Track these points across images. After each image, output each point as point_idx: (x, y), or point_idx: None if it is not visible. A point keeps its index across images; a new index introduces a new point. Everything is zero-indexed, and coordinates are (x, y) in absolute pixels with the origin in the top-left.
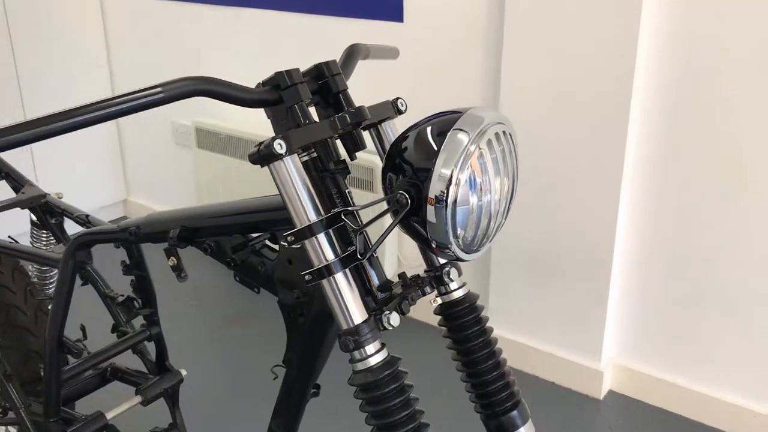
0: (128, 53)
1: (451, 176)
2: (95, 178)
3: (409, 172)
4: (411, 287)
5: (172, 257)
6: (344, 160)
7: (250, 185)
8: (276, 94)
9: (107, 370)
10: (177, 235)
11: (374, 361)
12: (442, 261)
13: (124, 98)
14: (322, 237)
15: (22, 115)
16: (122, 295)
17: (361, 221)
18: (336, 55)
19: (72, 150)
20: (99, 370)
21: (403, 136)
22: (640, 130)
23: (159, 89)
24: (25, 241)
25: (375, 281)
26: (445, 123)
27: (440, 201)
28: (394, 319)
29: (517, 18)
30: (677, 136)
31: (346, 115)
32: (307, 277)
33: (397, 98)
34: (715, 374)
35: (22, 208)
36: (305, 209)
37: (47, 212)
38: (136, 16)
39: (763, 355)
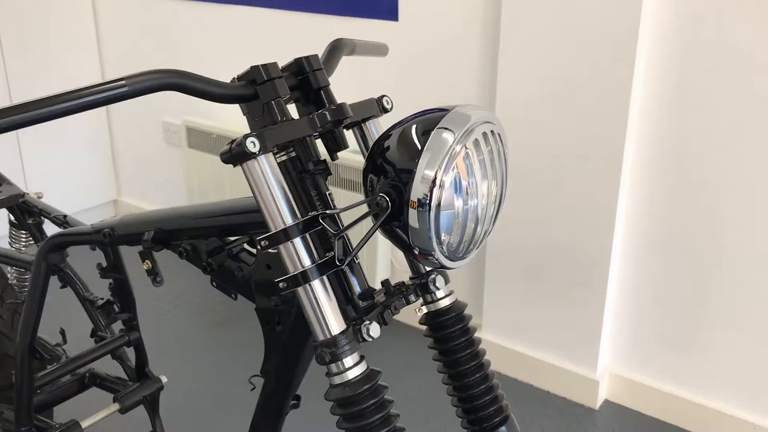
0: (120, 47)
1: (435, 178)
2: (85, 178)
3: (391, 174)
4: (394, 295)
5: (146, 261)
6: (325, 160)
7: (242, 186)
8: (251, 90)
9: (86, 376)
10: (151, 238)
11: (352, 374)
12: (429, 268)
13: (84, 92)
14: (298, 242)
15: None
16: (102, 299)
17: (342, 225)
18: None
19: (61, 149)
20: (77, 376)
21: (386, 135)
22: (640, 132)
23: (123, 83)
24: (4, 242)
25: (356, 289)
26: (429, 121)
27: (423, 204)
28: (374, 330)
29: (514, 16)
30: (677, 140)
31: (326, 113)
32: (281, 284)
33: (383, 96)
34: (715, 384)
35: None
36: (280, 212)
37: (25, 212)
38: (129, 13)
39: (764, 366)
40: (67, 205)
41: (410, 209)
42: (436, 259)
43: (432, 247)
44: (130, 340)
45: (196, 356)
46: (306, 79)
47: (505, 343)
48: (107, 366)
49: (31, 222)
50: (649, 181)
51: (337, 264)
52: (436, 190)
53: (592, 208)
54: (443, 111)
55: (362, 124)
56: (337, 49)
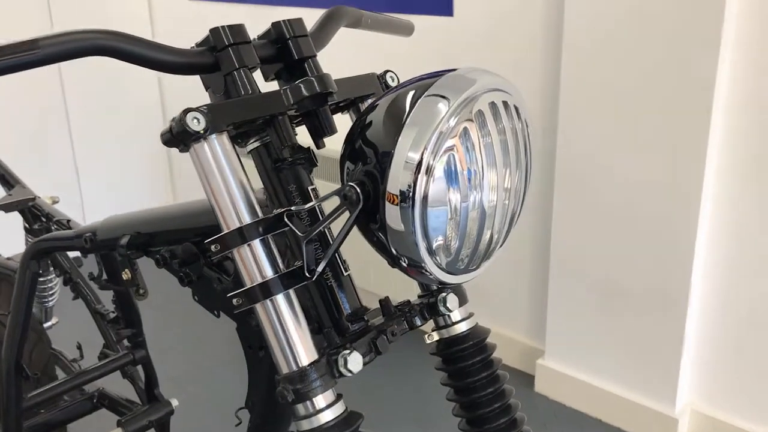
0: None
1: (420, 162)
2: (142, 190)
3: (371, 158)
4: (394, 317)
5: (125, 270)
6: (308, 148)
7: None
8: (210, 58)
9: (95, 395)
10: (127, 243)
11: (325, 418)
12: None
13: None
14: (257, 245)
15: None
16: (113, 312)
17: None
18: (381, 55)
19: (118, 161)
20: (86, 395)
21: (371, 108)
22: (723, 150)
23: (37, 45)
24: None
25: (345, 307)
26: (420, 88)
27: (405, 198)
28: (354, 361)
29: (580, 8)
30: (764, 156)
31: (301, 86)
32: (235, 300)
33: (387, 71)
34: None
35: (6, 211)
36: (235, 208)
37: (37, 217)
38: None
39: None
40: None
41: (387, 204)
42: (429, 272)
43: (419, 256)
44: (135, 358)
45: (213, 377)
46: (287, 47)
47: (571, 373)
48: (120, 386)
49: (37, 227)
50: (733, 202)
51: (305, 275)
52: (421, 179)
53: (670, 229)
54: (441, 73)
55: (360, 105)
56: (333, 18)
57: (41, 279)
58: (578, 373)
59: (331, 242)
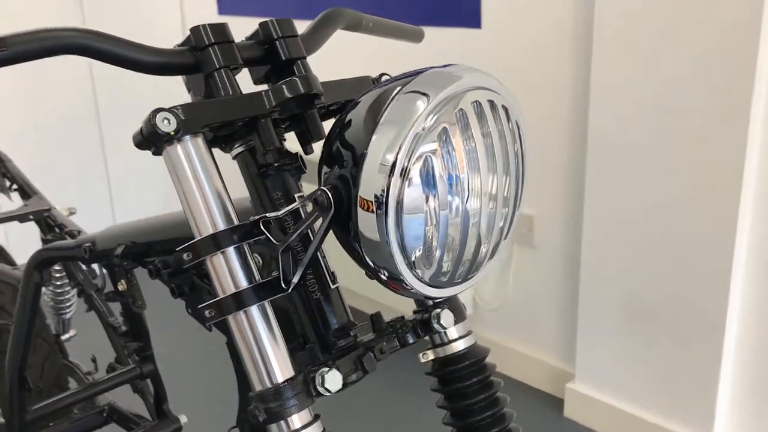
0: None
1: (395, 164)
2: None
3: (347, 160)
4: (385, 333)
5: (122, 280)
6: (296, 154)
7: None
8: (191, 58)
9: (105, 409)
10: (122, 253)
11: None
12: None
13: None
14: (231, 253)
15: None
16: (125, 325)
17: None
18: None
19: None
20: (97, 409)
21: (350, 108)
22: (762, 165)
23: (4, 43)
24: None
25: (332, 322)
26: (402, 84)
27: (379, 204)
28: (332, 380)
29: (609, 20)
30: None
31: (284, 87)
32: (207, 311)
33: (382, 74)
34: None
35: (21, 221)
36: (210, 214)
37: (50, 227)
38: None
39: None
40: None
41: (360, 211)
42: (409, 285)
43: (396, 268)
44: (143, 372)
45: (225, 392)
46: (275, 48)
47: (603, 397)
48: (133, 400)
49: (50, 237)
50: None
51: (282, 287)
52: (395, 183)
53: (706, 249)
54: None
55: None
56: (329, 20)
57: (58, 291)
58: (610, 398)
59: (317, 252)
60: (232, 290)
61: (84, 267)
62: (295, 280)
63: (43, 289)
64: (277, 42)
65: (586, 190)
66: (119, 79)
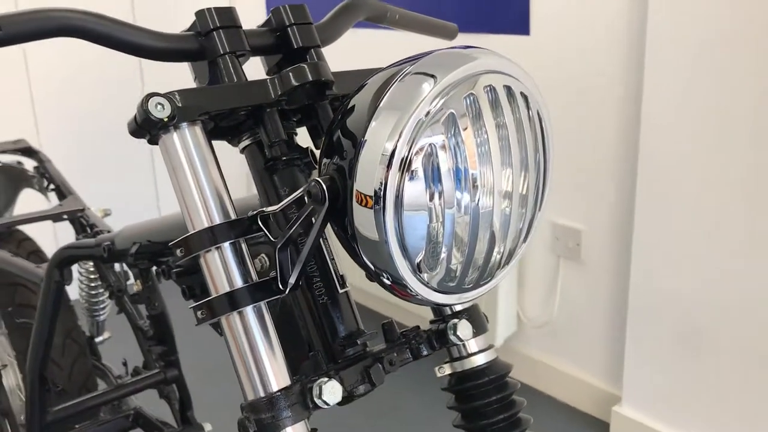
0: None
1: (393, 154)
2: None
3: (347, 150)
4: (397, 344)
5: (137, 281)
6: (307, 148)
7: None
8: (195, 43)
9: (130, 414)
10: (135, 253)
11: None
12: (458, 307)
13: None
14: (227, 249)
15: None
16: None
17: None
18: None
19: None
20: (123, 413)
21: (354, 92)
22: None
23: None
24: None
25: (339, 329)
26: (410, 65)
27: (377, 199)
28: (331, 391)
29: (664, 26)
30: None
31: (290, 73)
32: (199, 313)
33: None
34: None
35: (54, 221)
36: (205, 206)
37: (83, 227)
38: None
39: None
40: None
41: (356, 206)
42: (412, 290)
43: (396, 270)
44: (167, 377)
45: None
46: (287, 36)
47: (651, 423)
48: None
49: (82, 237)
50: None
51: (279, 288)
52: (394, 175)
53: (765, 274)
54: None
55: None
56: (349, 9)
57: (92, 292)
58: (658, 423)
59: (325, 253)
60: (226, 289)
61: (116, 268)
62: (292, 280)
63: (78, 290)
64: (288, 29)
65: (637, 204)
66: (167, 73)
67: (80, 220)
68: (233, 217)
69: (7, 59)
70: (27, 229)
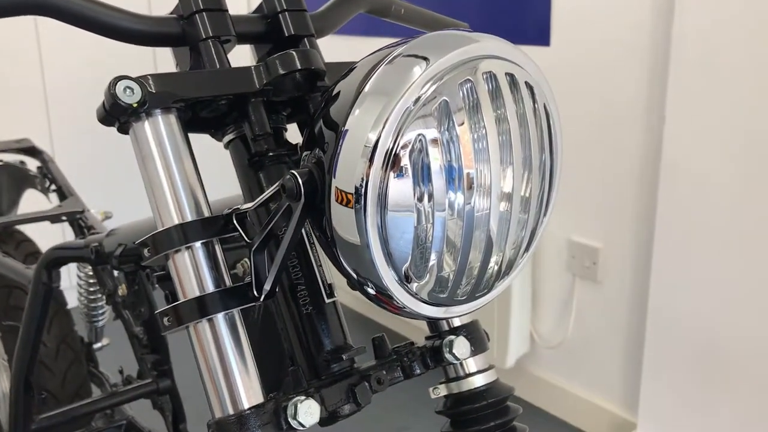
0: None
1: (376, 145)
2: None
3: (328, 141)
4: (387, 361)
5: (122, 285)
6: (297, 145)
7: None
8: (177, 27)
9: (122, 425)
10: (120, 255)
11: None
12: (456, 322)
13: None
14: (198, 250)
15: None
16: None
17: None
18: None
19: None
20: (115, 423)
21: (342, 76)
22: None
23: None
24: None
25: (324, 342)
26: (401, 47)
27: (358, 197)
28: (308, 411)
29: (688, 41)
30: None
31: (277, 60)
32: (165, 319)
33: None
34: None
35: (52, 222)
36: (177, 202)
37: (81, 229)
38: None
39: None
40: None
41: (335, 204)
42: (397, 301)
43: (380, 279)
44: (159, 387)
45: None
46: (278, 23)
47: None
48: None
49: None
50: None
51: (254, 295)
52: (376, 171)
53: None
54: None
55: None
56: (350, 0)
57: (91, 297)
58: None
59: (312, 258)
60: (196, 294)
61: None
62: (267, 286)
63: (77, 294)
64: (280, 15)
65: (657, 223)
66: None
67: (79, 222)
68: (207, 214)
69: (21, 57)
70: (31, 231)
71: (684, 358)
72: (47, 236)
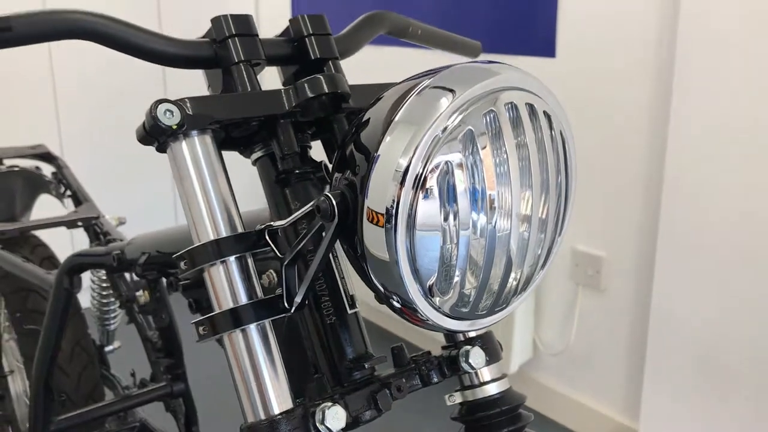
0: None
1: (407, 170)
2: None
3: (360, 164)
4: (406, 369)
5: (144, 291)
6: (321, 162)
7: None
8: (210, 50)
9: (135, 427)
10: (144, 263)
11: None
12: (471, 333)
13: None
14: (232, 264)
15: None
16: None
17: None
18: None
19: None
20: (128, 425)
21: (371, 104)
22: None
23: (8, 24)
24: None
25: (346, 351)
26: (428, 78)
27: (389, 217)
28: (334, 417)
29: (693, 54)
30: None
31: (306, 84)
32: (200, 328)
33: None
34: None
35: (68, 228)
36: (212, 218)
37: (96, 235)
38: None
39: None
40: None
41: (367, 223)
42: (422, 314)
43: (406, 293)
44: (173, 391)
45: None
46: (304, 46)
47: None
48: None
49: (95, 245)
50: None
51: (285, 307)
52: (406, 193)
53: None
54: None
55: None
56: (371, 22)
57: (103, 301)
58: None
59: (335, 271)
60: (230, 305)
61: (128, 277)
62: (299, 299)
63: (90, 298)
64: (306, 39)
65: (660, 232)
66: (191, 83)
67: (94, 228)
68: (240, 230)
69: (32, 64)
70: (44, 235)
71: (686, 366)
72: (57, 240)
